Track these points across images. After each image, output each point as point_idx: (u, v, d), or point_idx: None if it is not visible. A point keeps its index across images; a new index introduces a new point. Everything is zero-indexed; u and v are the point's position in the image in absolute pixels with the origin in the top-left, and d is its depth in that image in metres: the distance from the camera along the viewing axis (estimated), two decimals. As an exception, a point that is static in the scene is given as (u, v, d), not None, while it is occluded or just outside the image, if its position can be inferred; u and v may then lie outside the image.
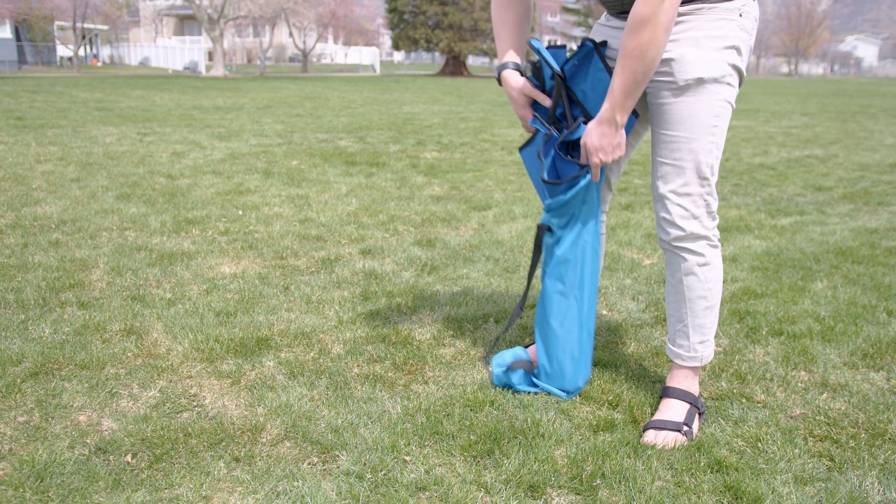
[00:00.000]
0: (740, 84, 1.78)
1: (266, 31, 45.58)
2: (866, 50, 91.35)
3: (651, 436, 1.78)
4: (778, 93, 22.64)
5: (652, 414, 1.90)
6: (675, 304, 1.89)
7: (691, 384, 1.91)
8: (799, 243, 3.68)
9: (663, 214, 1.82)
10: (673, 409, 1.85)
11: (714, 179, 1.79)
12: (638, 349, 2.33)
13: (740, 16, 1.72)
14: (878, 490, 1.59)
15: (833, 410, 1.93)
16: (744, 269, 3.21)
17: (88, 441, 1.72)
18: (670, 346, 1.94)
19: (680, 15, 1.70)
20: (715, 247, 1.84)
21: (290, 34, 43.87)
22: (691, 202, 1.78)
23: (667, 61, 1.73)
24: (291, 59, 57.51)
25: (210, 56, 43.54)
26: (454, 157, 6.63)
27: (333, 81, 26.14)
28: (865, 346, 2.36)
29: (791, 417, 1.90)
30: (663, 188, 1.80)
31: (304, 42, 44.09)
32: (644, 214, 4.30)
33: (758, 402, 1.98)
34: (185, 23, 54.83)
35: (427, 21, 39.61)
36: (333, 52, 62.44)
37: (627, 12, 1.78)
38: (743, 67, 1.76)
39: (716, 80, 1.72)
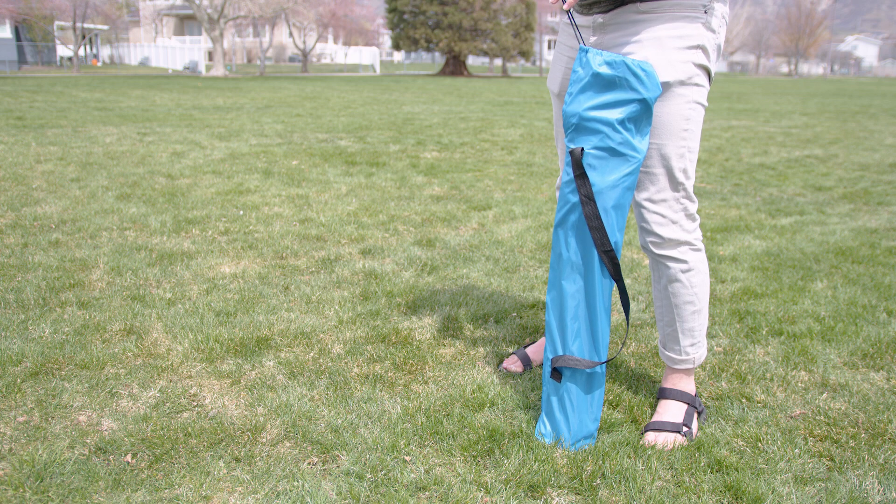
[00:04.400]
0: (709, 82, 1.74)
1: (266, 31, 45.59)
2: (866, 50, 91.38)
3: (651, 437, 1.78)
4: (778, 93, 22.64)
5: (651, 414, 1.90)
6: (663, 310, 1.88)
7: (687, 384, 1.91)
8: (799, 243, 3.68)
9: (641, 223, 1.80)
10: (671, 410, 1.85)
11: (690, 182, 1.75)
12: (638, 349, 2.33)
13: (705, 13, 1.65)
14: (878, 490, 1.59)
15: (833, 410, 1.93)
16: (744, 269, 3.21)
17: (88, 441, 1.72)
18: (662, 350, 1.93)
19: (641, 13, 1.66)
20: (698, 250, 1.81)
21: (290, 34, 43.88)
22: (667, 208, 1.75)
23: None
24: (291, 59, 57.51)
25: (210, 56, 43.56)
26: (454, 157, 6.63)
27: (333, 81, 26.14)
28: (865, 346, 2.36)
29: (791, 417, 1.90)
30: (638, 196, 1.77)
31: (304, 42, 44.09)
32: (644, 214, 4.30)
33: (758, 402, 1.98)
34: (185, 23, 54.83)
35: (427, 21, 39.63)
36: (333, 52, 62.44)
37: (592, 4, 1.75)
38: (711, 67, 1.71)
39: (682, 83, 1.67)
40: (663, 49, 1.65)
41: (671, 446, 1.75)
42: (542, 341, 2.23)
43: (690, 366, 1.89)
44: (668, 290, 1.84)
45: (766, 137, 8.83)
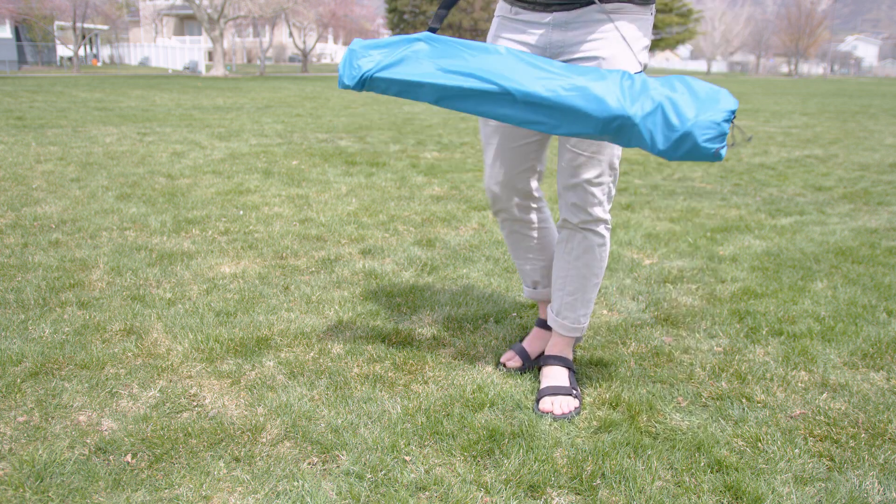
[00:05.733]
0: None
1: (266, 31, 45.58)
2: (866, 50, 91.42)
3: (547, 403, 1.89)
4: (778, 93, 22.64)
5: (648, 413, 1.90)
6: (567, 279, 2.03)
7: (570, 352, 2.09)
8: (799, 243, 3.68)
9: (574, 200, 1.94)
10: (560, 375, 2.00)
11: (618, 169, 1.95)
12: (638, 349, 2.33)
13: (651, 15, 1.82)
14: (878, 490, 1.59)
15: (833, 410, 1.93)
16: (744, 269, 3.21)
17: (88, 441, 1.72)
18: (553, 317, 2.08)
19: (606, 13, 1.76)
20: (609, 229, 2.01)
21: (290, 34, 43.86)
22: (601, 190, 1.93)
23: (597, 60, 1.78)
24: (291, 59, 57.51)
25: (210, 56, 43.56)
26: (454, 156, 6.63)
27: (333, 81, 26.13)
28: (865, 346, 2.36)
29: (791, 417, 1.90)
30: (579, 177, 1.91)
31: (304, 42, 44.09)
32: (644, 214, 4.30)
33: (758, 402, 1.98)
34: (185, 23, 54.83)
35: (427, 21, 39.65)
36: (333, 52, 62.44)
37: (551, 3, 1.79)
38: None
39: None
40: (626, 48, 1.79)
41: (569, 409, 1.87)
42: (535, 332, 2.26)
43: (578, 334, 2.08)
44: (579, 261, 2.00)
45: (766, 137, 8.83)
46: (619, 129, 1.57)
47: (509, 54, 1.63)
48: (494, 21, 1.98)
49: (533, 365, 2.19)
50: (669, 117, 1.52)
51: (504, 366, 2.17)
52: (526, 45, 1.85)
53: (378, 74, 1.63)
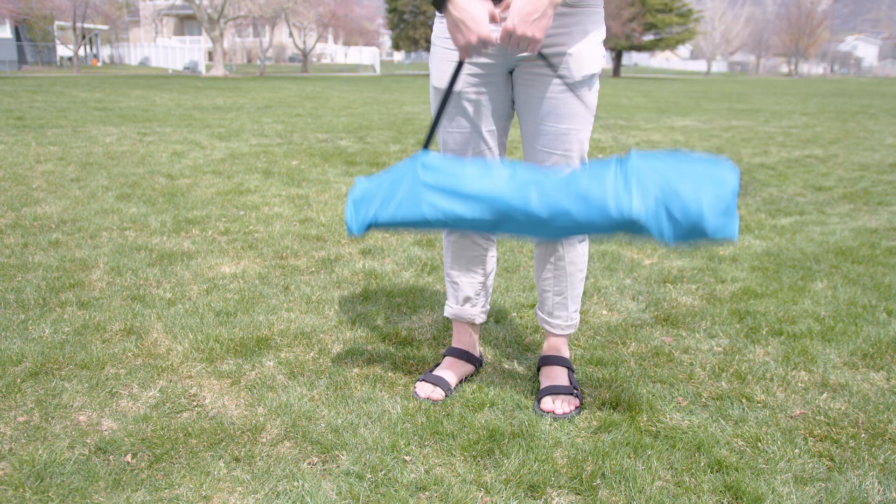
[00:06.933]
0: None
1: (266, 31, 45.57)
2: (866, 50, 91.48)
3: (549, 402, 1.89)
4: (778, 93, 22.64)
5: (648, 413, 1.90)
6: (554, 280, 2.02)
7: (566, 351, 2.09)
8: (799, 243, 3.68)
9: None
10: (560, 375, 1.99)
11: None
12: (638, 349, 2.33)
13: (602, 9, 1.85)
14: (878, 490, 1.59)
15: (833, 410, 1.93)
16: (744, 269, 3.21)
17: (88, 441, 1.72)
18: (546, 319, 2.07)
19: (569, 7, 1.76)
20: None
21: (290, 34, 43.87)
22: None
23: (563, 56, 1.78)
24: (291, 59, 57.52)
25: (210, 56, 43.56)
26: (454, 157, 6.62)
27: (333, 81, 26.13)
28: (865, 346, 2.36)
29: (791, 417, 1.90)
30: None
31: (304, 42, 44.08)
32: (644, 214, 4.30)
33: (758, 402, 1.98)
34: (185, 23, 54.84)
35: (427, 21, 39.67)
36: (333, 52, 62.47)
37: None
38: None
39: (599, 74, 1.86)
40: (591, 43, 1.80)
41: (571, 408, 1.88)
42: (449, 361, 2.08)
43: (572, 330, 2.07)
44: (564, 261, 1.99)
45: (766, 137, 8.84)
46: (628, 228, 1.52)
47: (508, 178, 1.59)
48: (440, 22, 1.88)
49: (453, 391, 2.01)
50: (674, 214, 1.46)
51: (429, 399, 1.94)
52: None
53: (382, 220, 1.72)
